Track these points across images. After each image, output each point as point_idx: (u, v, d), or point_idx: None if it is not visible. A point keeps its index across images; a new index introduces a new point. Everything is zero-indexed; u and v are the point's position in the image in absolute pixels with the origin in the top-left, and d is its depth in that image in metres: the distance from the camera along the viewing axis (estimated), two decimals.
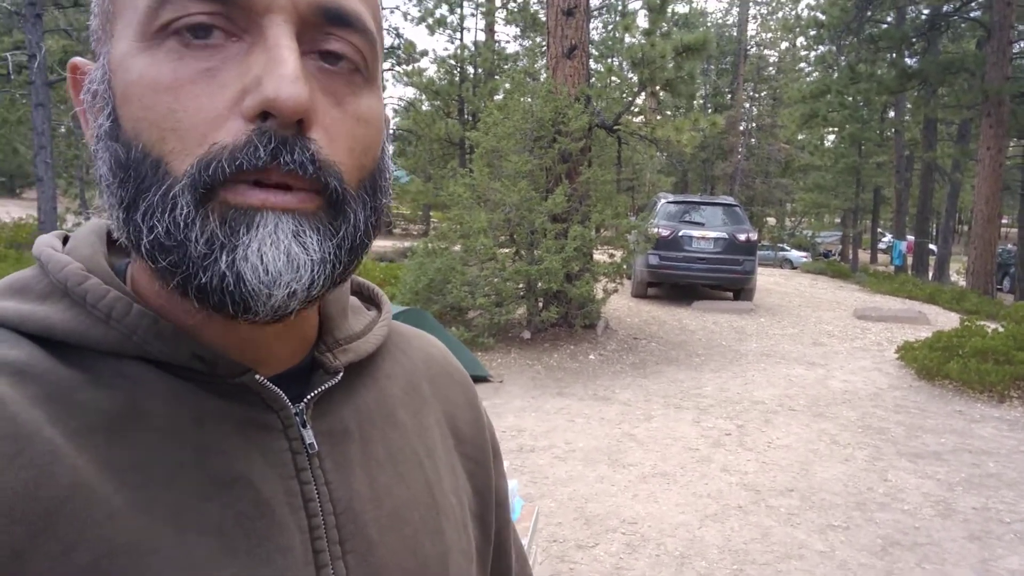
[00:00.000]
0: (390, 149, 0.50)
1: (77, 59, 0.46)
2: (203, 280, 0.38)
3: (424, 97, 20.50)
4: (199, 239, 0.38)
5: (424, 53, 20.73)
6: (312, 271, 0.40)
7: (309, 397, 0.48)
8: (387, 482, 0.51)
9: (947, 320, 10.31)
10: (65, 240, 0.49)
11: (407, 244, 15.34)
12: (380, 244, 18.52)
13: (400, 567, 0.49)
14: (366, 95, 0.44)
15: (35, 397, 0.39)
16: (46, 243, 0.48)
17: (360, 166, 0.43)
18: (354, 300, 0.60)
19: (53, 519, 0.36)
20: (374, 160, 0.45)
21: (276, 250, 0.39)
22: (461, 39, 21.44)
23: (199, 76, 0.38)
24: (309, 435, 0.47)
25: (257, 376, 0.45)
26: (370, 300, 0.63)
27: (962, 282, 15.80)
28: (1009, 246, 20.61)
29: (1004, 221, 28.67)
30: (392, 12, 22.44)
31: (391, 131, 0.49)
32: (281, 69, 0.37)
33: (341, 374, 0.51)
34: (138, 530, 0.38)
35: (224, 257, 0.38)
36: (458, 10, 21.23)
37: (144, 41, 0.39)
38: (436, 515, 0.53)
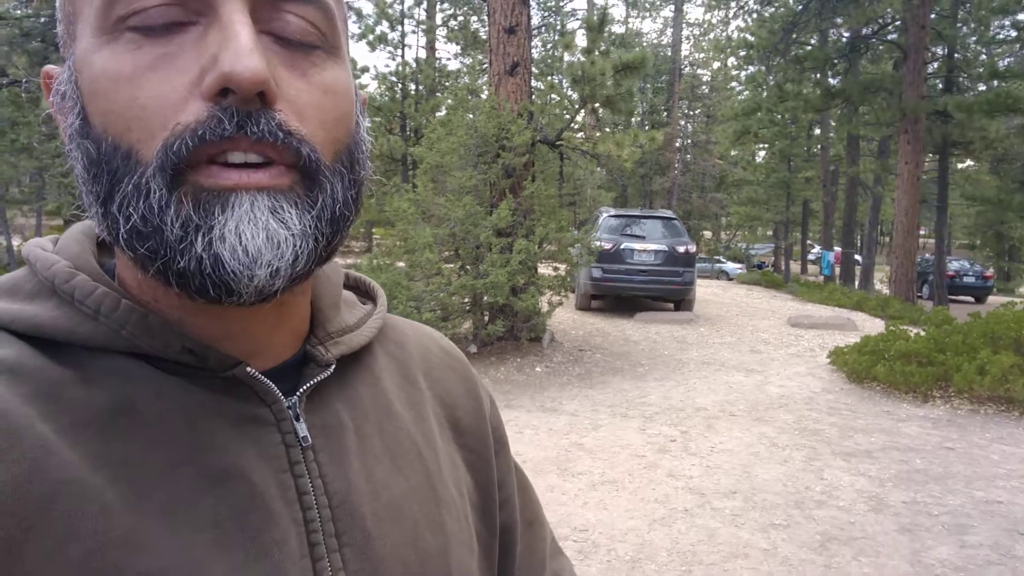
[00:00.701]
0: (365, 122, 0.49)
1: (48, 67, 0.46)
2: (181, 264, 0.38)
3: (366, 113, 20.38)
4: (174, 223, 0.38)
5: (365, 69, 20.61)
6: (295, 246, 0.40)
7: (302, 390, 0.48)
8: (384, 475, 0.50)
9: (873, 326, 10.81)
10: (56, 243, 0.49)
11: (349, 261, 15.15)
12: None
13: (399, 559, 0.48)
14: (331, 67, 0.44)
15: (26, 395, 0.39)
16: (35, 244, 0.48)
17: (334, 139, 0.43)
18: (349, 294, 0.60)
19: (45, 513, 0.36)
20: (348, 132, 0.45)
21: (255, 228, 0.38)
22: (403, 56, 21.45)
23: (158, 62, 0.38)
24: (303, 428, 0.47)
25: (249, 369, 0.45)
26: (366, 294, 0.63)
27: (886, 290, 16.60)
28: (927, 256, 21.78)
29: (922, 232, 30.25)
30: None
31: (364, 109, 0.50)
32: (235, 44, 0.37)
33: (333, 367, 0.51)
34: (131, 524, 0.38)
35: (200, 239, 0.38)
36: (399, 27, 21.25)
37: (103, 35, 0.39)
38: (436, 507, 0.53)
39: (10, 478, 0.36)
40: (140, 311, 0.43)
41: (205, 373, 0.44)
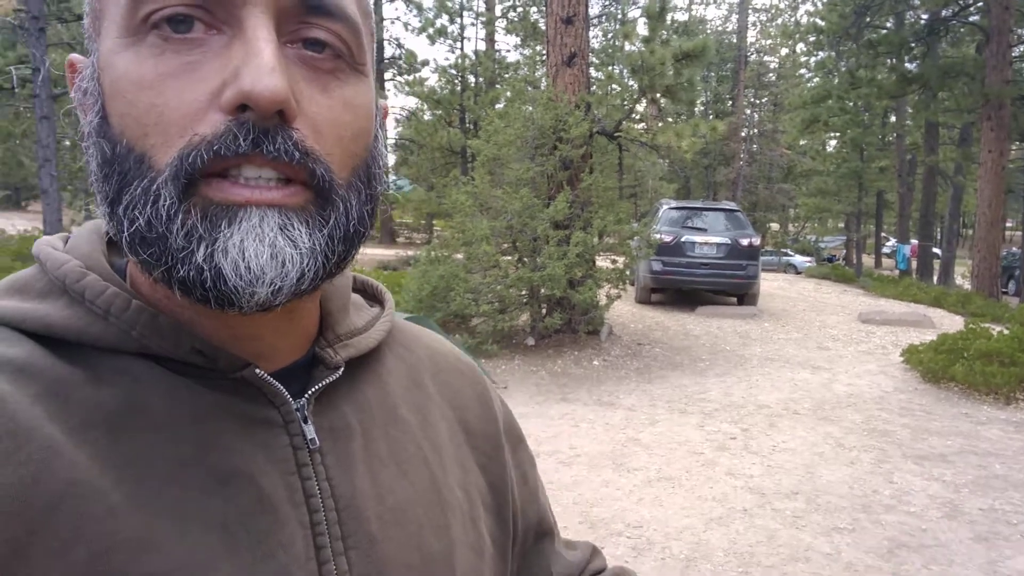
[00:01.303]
0: (384, 136, 0.49)
1: (74, 56, 0.46)
2: (181, 273, 0.38)
3: (426, 107, 20.61)
4: (179, 232, 0.38)
5: (425, 63, 20.84)
6: (301, 264, 0.40)
7: (310, 392, 0.48)
8: (390, 479, 0.51)
9: (952, 323, 10.28)
10: (67, 242, 0.49)
11: (410, 253, 15.38)
12: (384, 253, 18.57)
13: (404, 563, 0.48)
14: (353, 82, 0.44)
15: (35, 394, 0.39)
16: (46, 242, 0.48)
17: (351, 154, 0.43)
18: (357, 297, 0.60)
19: (52, 515, 0.36)
20: (366, 147, 0.45)
21: (260, 244, 0.38)
22: (462, 49, 21.56)
23: (180, 70, 0.38)
24: (310, 431, 0.47)
25: (258, 371, 0.45)
26: (373, 297, 0.63)
27: (967, 285, 15.77)
28: (1013, 249, 20.59)
29: (1008, 224, 28.63)
30: (393, 23, 22.62)
31: (388, 121, 0.49)
32: (257, 60, 0.37)
33: (342, 369, 0.51)
34: (138, 526, 0.38)
35: (202, 250, 0.38)
36: (458, 20, 21.36)
37: (127, 37, 0.39)
38: (441, 511, 0.53)
39: (17, 480, 0.35)
40: (150, 312, 0.43)
41: (214, 374, 0.44)
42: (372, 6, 0.49)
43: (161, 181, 0.38)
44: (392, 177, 23.22)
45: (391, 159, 23.88)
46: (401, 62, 21.76)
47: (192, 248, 0.38)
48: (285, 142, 0.38)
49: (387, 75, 22.44)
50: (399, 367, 0.58)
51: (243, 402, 0.45)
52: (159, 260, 0.39)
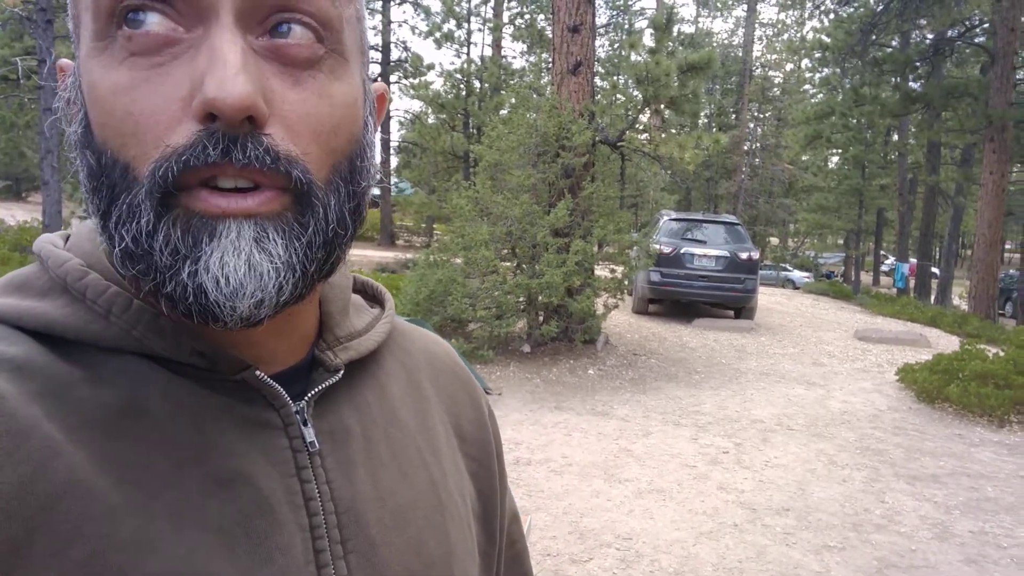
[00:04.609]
0: (373, 123, 0.47)
1: (63, 61, 0.44)
2: (168, 290, 0.38)
3: (430, 110, 20.64)
4: (164, 249, 0.37)
5: (431, 67, 20.86)
6: (278, 277, 0.39)
7: (310, 395, 0.48)
8: (390, 481, 0.50)
9: (948, 343, 10.29)
10: (68, 240, 0.49)
11: (410, 256, 15.37)
12: (383, 255, 18.56)
13: (404, 567, 0.48)
14: (328, 69, 0.41)
15: (33, 393, 0.38)
16: (47, 240, 0.47)
17: (331, 150, 0.41)
18: (357, 298, 0.59)
19: (50, 514, 0.36)
20: (349, 140, 0.42)
21: (237, 259, 0.37)
22: (468, 54, 21.64)
23: (152, 75, 0.37)
24: (310, 433, 0.47)
25: (258, 373, 0.44)
26: (374, 298, 0.62)
27: (964, 306, 15.79)
28: (1011, 271, 20.60)
29: (1007, 246, 28.69)
30: (400, 26, 22.68)
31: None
32: (219, 69, 0.36)
33: (342, 372, 0.50)
34: (137, 526, 0.38)
35: (186, 268, 0.37)
36: (465, 25, 21.44)
37: (98, 40, 0.38)
38: (441, 515, 0.52)
39: (16, 479, 0.35)
40: (152, 312, 0.43)
41: (214, 376, 0.44)
42: None
43: (141, 197, 0.37)
44: (394, 180, 23.22)
45: (393, 161, 23.88)
46: (407, 65, 21.81)
47: (178, 266, 0.37)
48: (255, 148, 0.37)
49: (392, 77, 22.48)
50: (398, 369, 0.58)
51: (242, 404, 0.45)
52: (146, 275, 0.38)
